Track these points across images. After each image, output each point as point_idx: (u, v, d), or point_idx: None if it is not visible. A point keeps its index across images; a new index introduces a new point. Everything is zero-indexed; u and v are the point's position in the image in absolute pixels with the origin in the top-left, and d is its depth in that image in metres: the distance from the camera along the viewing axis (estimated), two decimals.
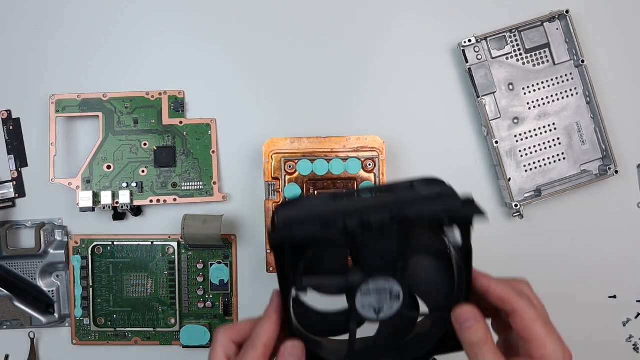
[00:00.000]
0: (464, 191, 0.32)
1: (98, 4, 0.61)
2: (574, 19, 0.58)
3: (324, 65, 0.60)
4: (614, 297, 0.60)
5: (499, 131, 0.59)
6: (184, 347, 0.59)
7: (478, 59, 0.58)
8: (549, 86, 0.59)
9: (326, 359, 0.34)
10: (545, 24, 0.59)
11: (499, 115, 0.59)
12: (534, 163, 0.59)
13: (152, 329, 0.60)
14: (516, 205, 0.58)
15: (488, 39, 0.58)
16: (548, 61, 0.59)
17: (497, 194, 0.60)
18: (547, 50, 0.59)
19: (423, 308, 0.36)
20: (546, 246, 0.60)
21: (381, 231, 0.30)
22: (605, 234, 0.60)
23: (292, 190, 0.55)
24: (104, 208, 0.58)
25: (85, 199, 0.57)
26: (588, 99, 0.59)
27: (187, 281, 0.60)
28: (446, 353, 0.36)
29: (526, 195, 0.59)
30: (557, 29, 0.59)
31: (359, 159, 0.56)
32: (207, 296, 0.60)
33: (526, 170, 0.59)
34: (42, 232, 0.59)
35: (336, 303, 0.34)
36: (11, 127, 0.61)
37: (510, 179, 0.59)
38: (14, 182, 0.61)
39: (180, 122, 0.60)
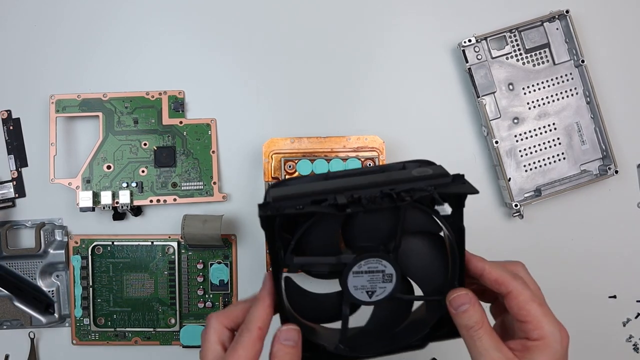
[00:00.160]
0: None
1: (98, 4, 0.61)
2: (574, 19, 0.58)
3: (324, 65, 0.60)
4: (614, 297, 0.60)
5: (499, 131, 0.59)
6: (184, 347, 0.59)
7: (478, 59, 0.58)
8: (549, 86, 0.59)
9: (320, 344, 0.34)
10: (545, 24, 0.59)
11: (499, 115, 0.59)
12: (534, 163, 0.59)
13: (152, 329, 0.60)
14: (516, 205, 0.58)
15: (488, 39, 0.58)
16: (548, 61, 0.59)
17: (497, 194, 0.60)
18: (547, 50, 0.59)
19: (418, 295, 0.36)
20: (546, 246, 0.60)
21: (372, 209, 0.30)
22: (605, 234, 0.60)
23: None
24: (104, 208, 0.58)
25: (85, 199, 0.57)
26: (588, 99, 0.59)
27: (187, 281, 0.60)
28: (441, 340, 0.35)
29: (526, 195, 0.59)
30: (557, 29, 0.59)
31: (359, 159, 0.56)
32: (207, 296, 0.60)
33: (526, 170, 0.59)
34: (42, 232, 0.59)
35: (329, 287, 0.34)
36: (11, 127, 0.61)
37: (510, 179, 0.59)
38: (14, 182, 0.61)
39: (180, 122, 0.60)
